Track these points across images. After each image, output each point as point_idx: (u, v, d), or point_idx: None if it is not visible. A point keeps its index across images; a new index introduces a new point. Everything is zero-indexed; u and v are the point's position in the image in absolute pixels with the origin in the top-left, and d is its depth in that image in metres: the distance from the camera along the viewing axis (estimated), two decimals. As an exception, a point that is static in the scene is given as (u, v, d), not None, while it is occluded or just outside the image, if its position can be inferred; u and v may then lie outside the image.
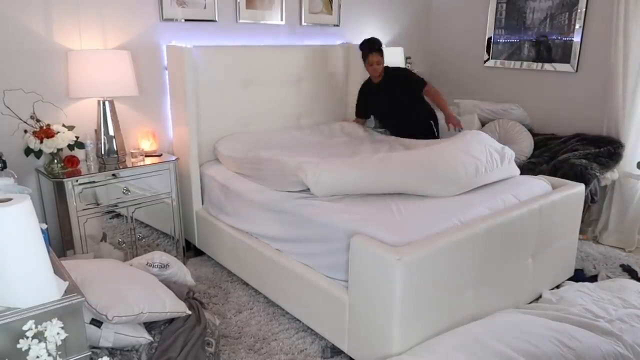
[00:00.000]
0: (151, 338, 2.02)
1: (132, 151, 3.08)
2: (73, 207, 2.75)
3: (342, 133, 3.79)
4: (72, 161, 2.85)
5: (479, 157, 2.68)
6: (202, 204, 3.34)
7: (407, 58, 4.71)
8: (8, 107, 2.67)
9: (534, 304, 2.69)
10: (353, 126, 3.93)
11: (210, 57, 3.32)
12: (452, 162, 2.59)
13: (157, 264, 2.36)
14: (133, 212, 3.00)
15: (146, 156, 3.14)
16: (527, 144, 4.08)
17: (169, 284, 2.31)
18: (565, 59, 4.10)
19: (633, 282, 2.79)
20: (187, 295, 2.40)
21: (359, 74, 4.09)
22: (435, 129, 3.86)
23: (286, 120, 3.83)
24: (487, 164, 2.68)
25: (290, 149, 3.14)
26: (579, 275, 3.10)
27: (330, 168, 2.56)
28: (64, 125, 2.81)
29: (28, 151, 2.74)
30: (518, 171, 2.94)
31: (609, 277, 3.07)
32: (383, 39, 4.63)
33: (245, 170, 3.07)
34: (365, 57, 3.65)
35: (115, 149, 2.98)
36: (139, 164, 3.02)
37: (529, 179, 2.89)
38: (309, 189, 2.55)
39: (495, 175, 2.73)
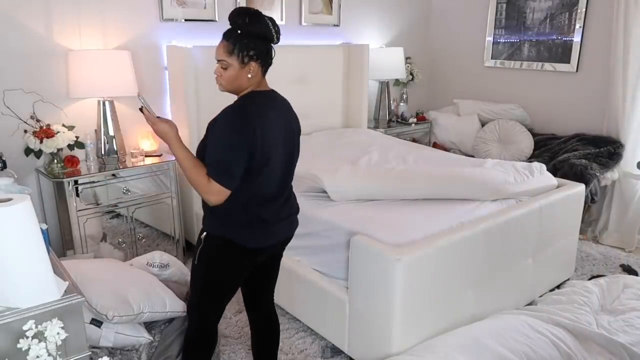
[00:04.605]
0: (151, 338, 2.02)
1: (132, 151, 3.08)
2: (73, 207, 2.74)
3: (348, 137, 3.78)
4: (72, 161, 2.85)
5: (505, 171, 2.73)
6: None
7: (407, 58, 4.71)
8: (8, 107, 2.67)
9: (534, 305, 2.69)
10: (357, 131, 3.93)
11: (210, 57, 3.30)
12: (478, 172, 2.67)
13: (157, 264, 2.36)
14: (133, 212, 3.00)
15: (146, 156, 3.14)
16: (527, 144, 4.09)
17: (169, 284, 2.31)
18: (565, 59, 4.09)
19: (635, 281, 2.78)
20: (187, 295, 2.40)
21: (359, 74, 4.09)
22: None
23: (286, 120, 3.83)
24: (515, 175, 2.69)
25: (301, 155, 3.14)
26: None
27: (349, 176, 2.58)
28: (64, 125, 2.81)
29: (28, 151, 2.74)
30: (554, 181, 2.88)
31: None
32: (383, 39, 4.64)
33: None
34: None
35: (115, 149, 2.98)
36: (139, 164, 3.01)
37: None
38: (324, 191, 2.56)
39: (528, 185, 2.69)
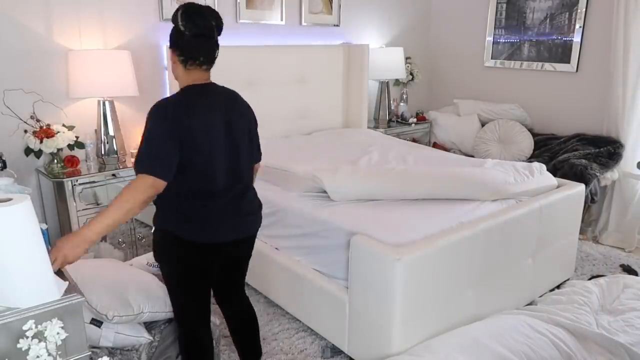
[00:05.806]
0: (151, 338, 2.02)
1: (132, 151, 3.08)
2: (73, 207, 2.75)
3: (348, 137, 3.77)
4: (72, 161, 2.85)
5: (505, 171, 2.71)
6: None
7: (407, 58, 4.71)
8: (8, 107, 2.67)
9: (534, 305, 2.69)
10: (357, 131, 3.93)
11: (210, 57, 3.32)
12: (478, 172, 2.66)
13: (157, 264, 2.36)
14: (133, 212, 3.00)
15: (146, 156, 3.14)
16: (527, 144, 4.09)
17: (169, 284, 2.31)
18: (565, 59, 4.09)
19: (635, 281, 2.78)
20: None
21: (359, 74, 4.09)
22: None
23: (286, 121, 3.83)
24: (515, 175, 2.68)
25: (301, 155, 3.14)
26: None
27: (349, 176, 2.58)
28: (64, 125, 2.81)
29: (28, 151, 2.74)
30: (554, 181, 2.88)
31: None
32: (383, 39, 4.64)
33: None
34: None
35: (115, 149, 2.98)
36: (139, 164, 3.01)
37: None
38: (324, 191, 2.56)
39: (528, 185, 2.68)
